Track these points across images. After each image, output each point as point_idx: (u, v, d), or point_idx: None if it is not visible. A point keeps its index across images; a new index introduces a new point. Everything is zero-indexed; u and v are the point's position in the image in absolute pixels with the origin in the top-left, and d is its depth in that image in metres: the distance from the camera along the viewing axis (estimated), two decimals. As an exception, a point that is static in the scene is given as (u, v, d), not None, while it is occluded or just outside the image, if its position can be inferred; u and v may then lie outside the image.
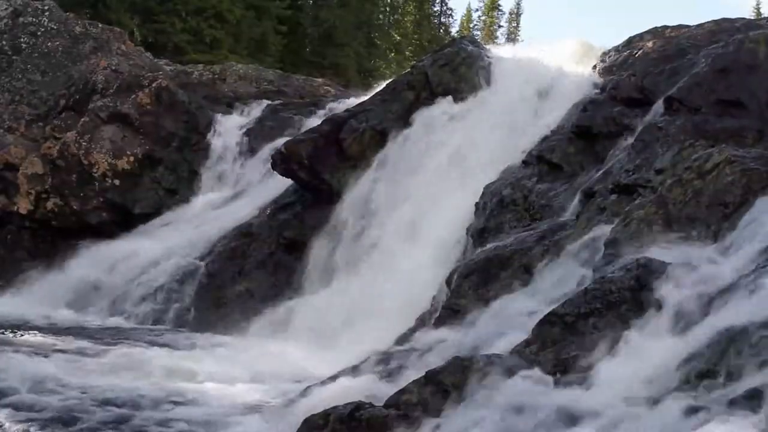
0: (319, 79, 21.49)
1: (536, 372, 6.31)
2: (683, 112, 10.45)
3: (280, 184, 15.47)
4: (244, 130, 17.51)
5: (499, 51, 16.35)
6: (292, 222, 14.67)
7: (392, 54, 44.19)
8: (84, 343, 11.02)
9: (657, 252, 7.29)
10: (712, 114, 10.14)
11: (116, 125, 17.05)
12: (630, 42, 14.27)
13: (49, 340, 11.23)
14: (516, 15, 59.64)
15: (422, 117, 14.52)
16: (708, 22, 13.37)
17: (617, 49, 14.36)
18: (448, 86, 14.77)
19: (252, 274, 14.23)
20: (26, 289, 14.98)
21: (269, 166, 15.60)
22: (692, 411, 5.20)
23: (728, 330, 5.75)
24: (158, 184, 16.90)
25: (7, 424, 7.31)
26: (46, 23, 18.72)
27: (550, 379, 6.24)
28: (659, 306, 6.48)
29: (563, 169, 11.79)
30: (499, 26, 59.29)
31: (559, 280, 8.53)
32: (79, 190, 16.69)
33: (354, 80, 33.83)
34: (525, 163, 12.36)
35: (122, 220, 16.47)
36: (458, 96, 14.63)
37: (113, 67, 17.96)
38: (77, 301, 14.30)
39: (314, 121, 16.43)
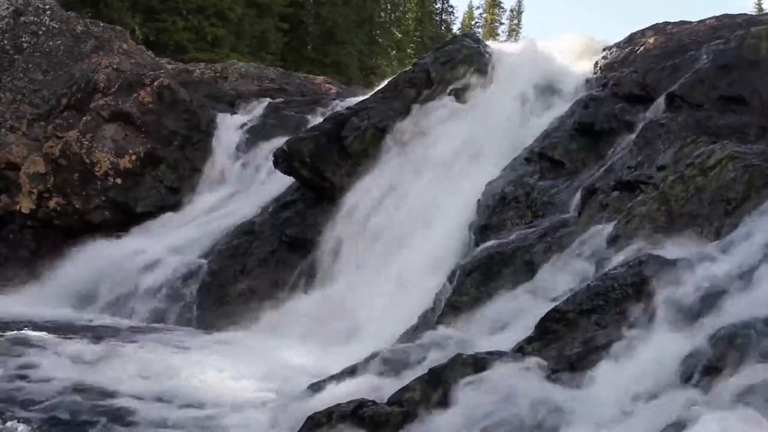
0: (321, 77, 21.49)
1: (538, 369, 6.32)
2: (685, 108, 10.44)
3: (282, 182, 15.47)
4: (246, 128, 17.49)
5: (501, 47, 16.33)
6: (294, 220, 14.68)
7: (394, 52, 44.24)
8: (86, 342, 11.02)
9: (659, 249, 7.30)
10: (714, 110, 10.13)
11: (118, 124, 17.05)
12: (631, 38, 14.27)
13: (51, 338, 11.24)
14: (517, 12, 59.77)
15: (424, 114, 14.52)
16: (709, 18, 13.37)
17: (618, 46, 14.37)
18: (449, 83, 14.78)
19: (254, 272, 14.24)
20: (29, 288, 14.97)
21: (271, 164, 15.60)
22: (693, 407, 5.21)
23: (730, 326, 5.76)
24: (160, 183, 16.89)
25: (5, 421, 7.32)
26: (47, 22, 18.71)
27: (552, 375, 6.25)
28: (661, 302, 6.48)
29: (565, 166, 11.79)
30: (501, 23, 59.48)
31: (561, 276, 8.53)
32: (81, 189, 16.69)
33: (355, 78, 33.86)
34: (527, 160, 12.35)
35: (124, 219, 16.45)
36: (459, 93, 14.64)
37: (115, 66, 17.94)
38: (80, 300, 14.29)
39: (316, 119, 16.43)
